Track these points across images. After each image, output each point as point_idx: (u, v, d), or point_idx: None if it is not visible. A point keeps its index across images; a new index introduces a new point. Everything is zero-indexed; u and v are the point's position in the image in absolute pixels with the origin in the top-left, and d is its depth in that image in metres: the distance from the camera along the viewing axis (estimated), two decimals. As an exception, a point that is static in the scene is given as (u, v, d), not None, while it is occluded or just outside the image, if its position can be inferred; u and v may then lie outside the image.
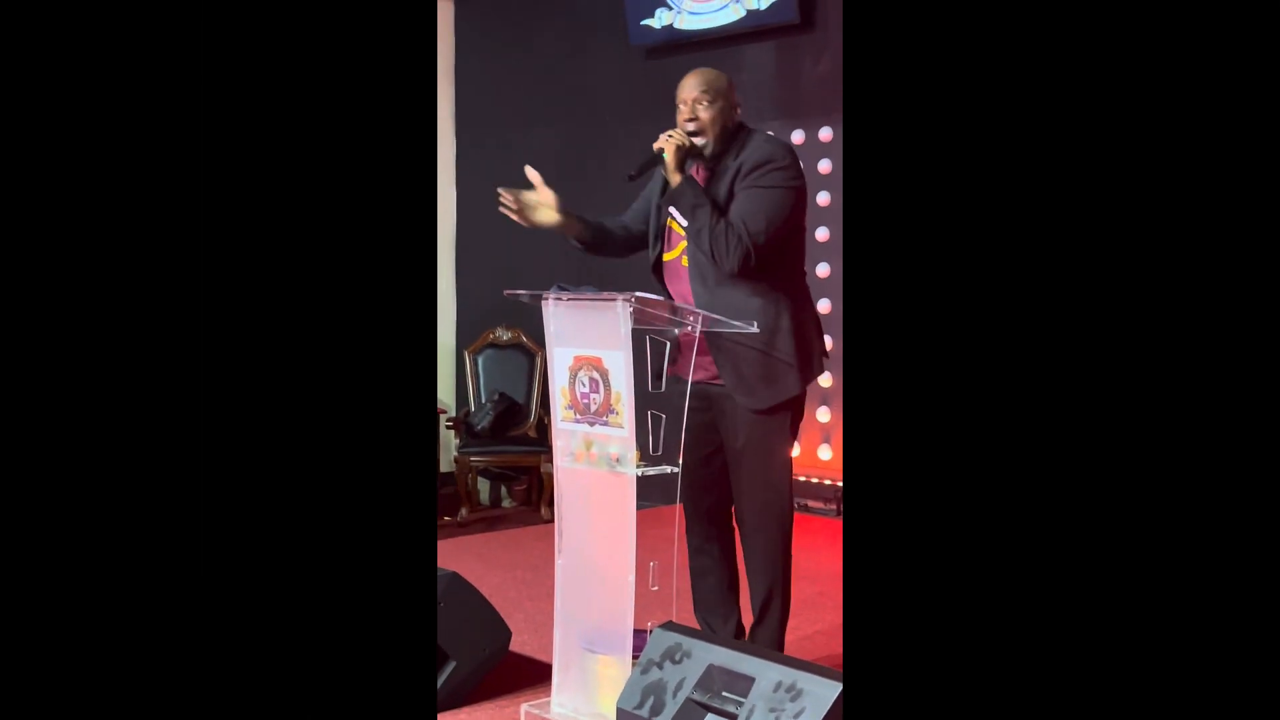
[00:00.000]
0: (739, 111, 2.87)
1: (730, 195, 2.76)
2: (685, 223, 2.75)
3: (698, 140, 2.78)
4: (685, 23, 5.48)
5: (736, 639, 2.96)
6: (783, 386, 2.80)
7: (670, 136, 2.76)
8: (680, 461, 2.65)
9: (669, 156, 2.75)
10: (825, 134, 5.18)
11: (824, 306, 5.22)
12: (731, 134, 2.81)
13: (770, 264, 2.75)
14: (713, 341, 2.79)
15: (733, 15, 5.34)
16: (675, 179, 2.75)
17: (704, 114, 2.78)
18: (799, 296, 2.86)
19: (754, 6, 5.26)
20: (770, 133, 3.02)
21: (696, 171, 2.85)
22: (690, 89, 2.79)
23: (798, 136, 5.26)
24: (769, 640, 2.87)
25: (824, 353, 2.90)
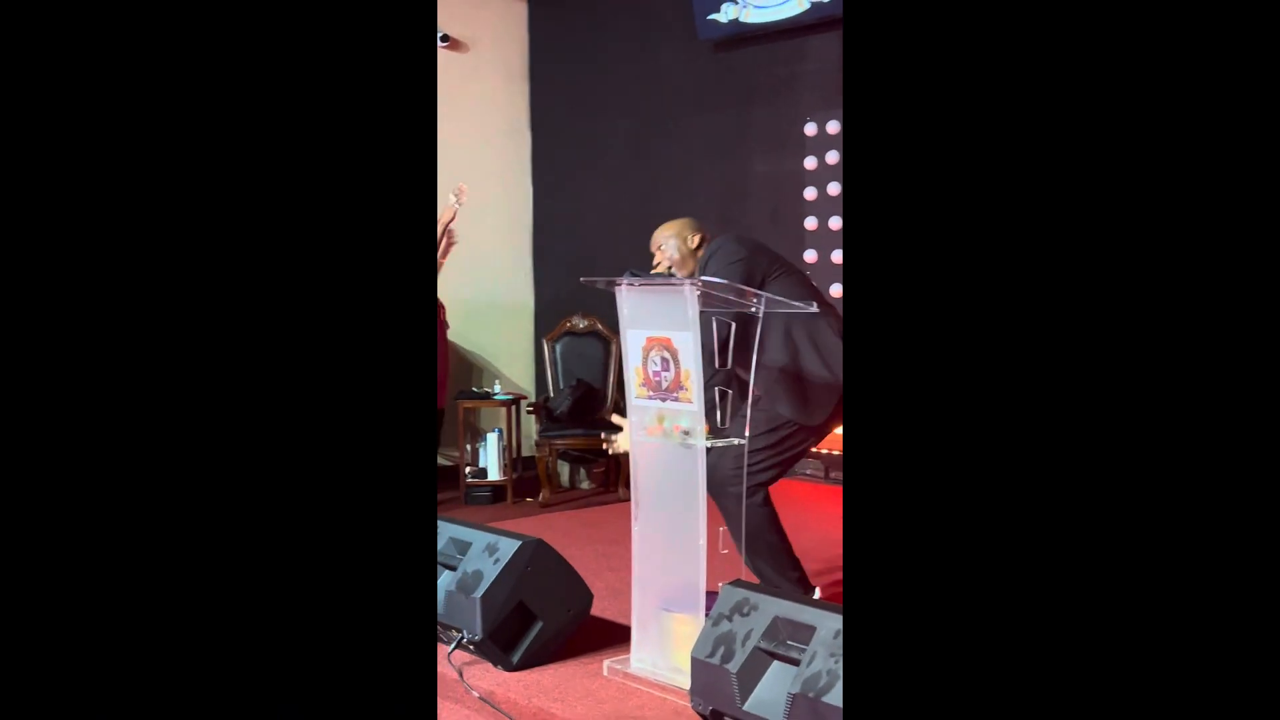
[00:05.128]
0: (696, 238, 3.47)
1: None
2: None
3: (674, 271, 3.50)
4: (751, 16, 5.64)
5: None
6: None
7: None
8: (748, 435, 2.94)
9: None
10: (888, 121, 5.28)
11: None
12: (691, 253, 3.46)
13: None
14: None
15: (797, 8, 5.48)
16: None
17: (663, 254, 3.49)
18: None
19: (817, -1, 5.40)
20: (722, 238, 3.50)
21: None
22: (653, 244, 3.53)
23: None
24: None
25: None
